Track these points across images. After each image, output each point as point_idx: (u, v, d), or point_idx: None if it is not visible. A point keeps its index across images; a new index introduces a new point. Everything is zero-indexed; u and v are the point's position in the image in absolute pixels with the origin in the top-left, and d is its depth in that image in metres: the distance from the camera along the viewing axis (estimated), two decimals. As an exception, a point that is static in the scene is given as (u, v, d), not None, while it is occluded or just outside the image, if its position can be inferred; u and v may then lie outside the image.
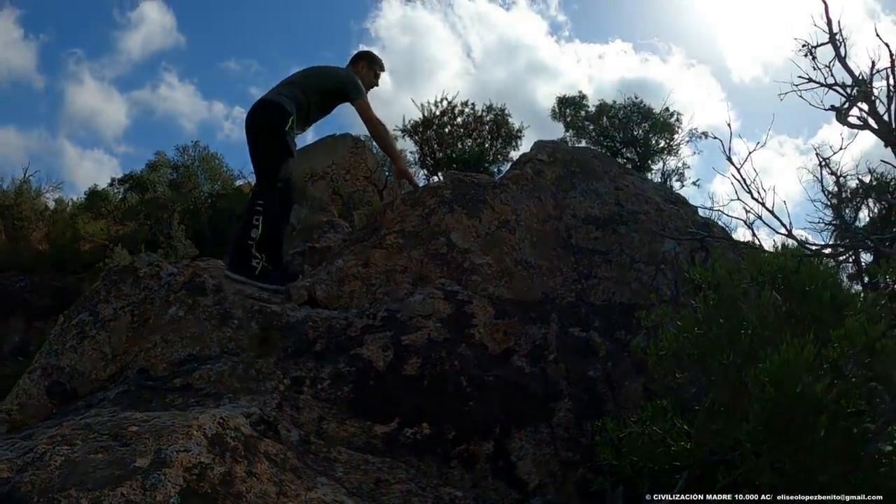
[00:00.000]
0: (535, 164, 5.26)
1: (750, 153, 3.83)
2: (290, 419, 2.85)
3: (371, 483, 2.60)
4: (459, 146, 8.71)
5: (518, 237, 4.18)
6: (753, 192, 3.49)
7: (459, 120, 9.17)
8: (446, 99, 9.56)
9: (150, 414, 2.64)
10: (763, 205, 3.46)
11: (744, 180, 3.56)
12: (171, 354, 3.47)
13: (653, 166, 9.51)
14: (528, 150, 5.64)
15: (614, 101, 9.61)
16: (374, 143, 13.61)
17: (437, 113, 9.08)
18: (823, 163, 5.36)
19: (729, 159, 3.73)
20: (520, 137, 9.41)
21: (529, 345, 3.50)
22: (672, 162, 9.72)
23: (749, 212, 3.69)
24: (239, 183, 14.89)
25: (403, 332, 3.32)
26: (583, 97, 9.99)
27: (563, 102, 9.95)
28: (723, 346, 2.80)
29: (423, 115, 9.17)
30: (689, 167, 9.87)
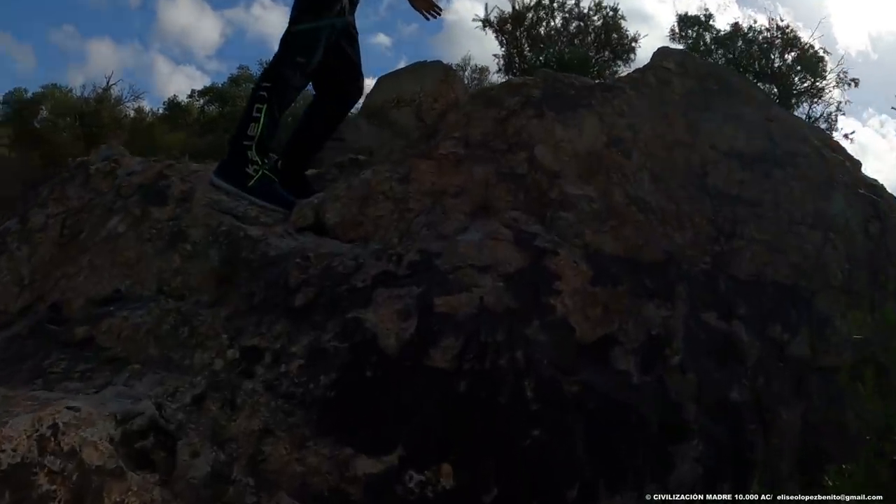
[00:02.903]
0: (658, 72, 3.63)
1: None
2: (208, 430, 1.55)
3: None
4: (555, 52, 6.81)
5: (635, 163, 2.66)
6: None
7: (559, 19, 7.19)
8: (544, -14, 7.41)
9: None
10: None
11: None
12: (93, 287, 2.24)
13: (794, 110, 7.38)
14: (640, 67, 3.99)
15: (755, 21, 7.45)
16: (465, 73, 11.96)
17: (532, 4, 7.10)
18: None
19: None
20: (633, 50, 7.32)
21: (642, 334, 2.04)
22: (819, 108, 7.57)
23: None
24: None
25: (440, 289, 1.93)
26: (709, 16, 7.77)
27: (685, 21, 7.80)
28: None
29: (514, 8, 7.18)
30: (842, 112, 7.58)
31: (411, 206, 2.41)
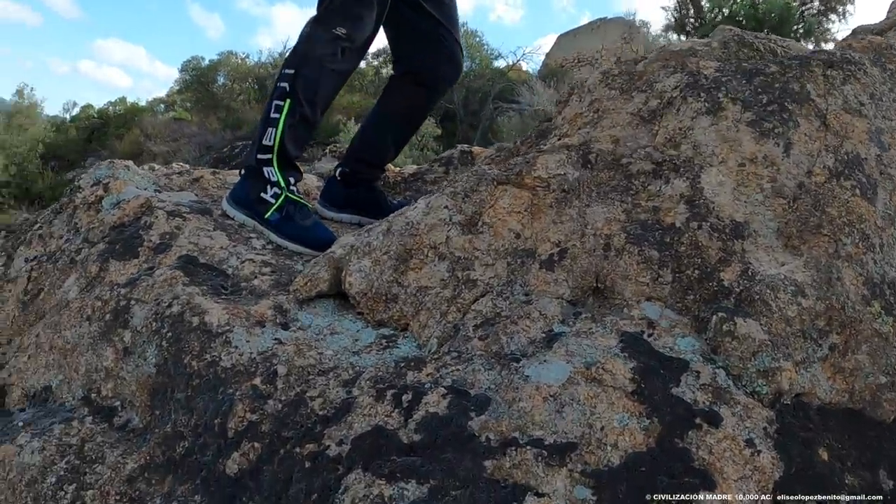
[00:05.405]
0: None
1: None
2: None
3: None
4: (744, 1, 4.90)
5: (881, 210, 1.45)
6: None
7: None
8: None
9: None
10: None
11: None
12: (31, 374, 1.58)
13: None
14: (867, 24, 2.39)
15: None
16: (648, 29, 10.42)
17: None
18: None
19: None
20: (852, -1, 5.06)
21: None
22: None
23: None
24: (498, 64, 13.18)
25: (465, 498, 1.00)
26: None
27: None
28: None
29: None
30: None
31: (475, 277, 1.45)
